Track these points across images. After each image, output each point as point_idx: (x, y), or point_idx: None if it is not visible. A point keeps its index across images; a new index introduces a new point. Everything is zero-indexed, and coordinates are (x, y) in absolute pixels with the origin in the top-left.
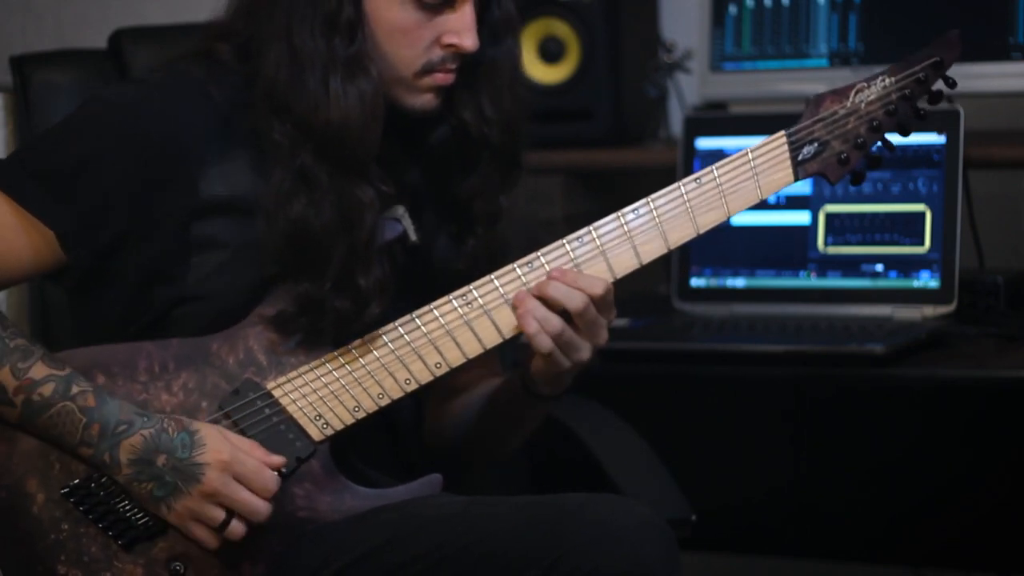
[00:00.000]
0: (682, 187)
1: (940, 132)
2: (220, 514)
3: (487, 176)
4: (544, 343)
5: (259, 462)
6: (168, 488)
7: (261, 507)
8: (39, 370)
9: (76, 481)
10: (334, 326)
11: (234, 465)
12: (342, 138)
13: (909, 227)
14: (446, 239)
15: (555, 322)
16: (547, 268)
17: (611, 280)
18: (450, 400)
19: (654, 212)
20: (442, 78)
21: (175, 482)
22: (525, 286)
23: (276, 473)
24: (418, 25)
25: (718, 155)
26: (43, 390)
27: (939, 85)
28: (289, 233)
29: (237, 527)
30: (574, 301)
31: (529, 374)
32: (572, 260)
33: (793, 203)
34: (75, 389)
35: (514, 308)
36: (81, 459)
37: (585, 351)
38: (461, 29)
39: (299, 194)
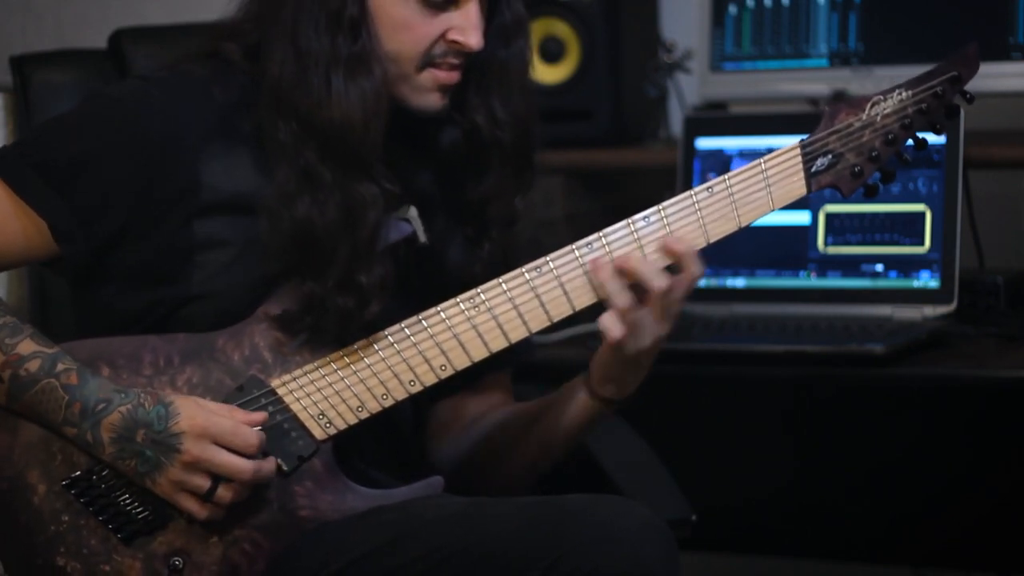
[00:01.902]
0: (694, 195)
1: (940, 132)
2: (205, 482)
3: (501, 179)
4: (616, 328)
5: (236, 421)
6: (150, 463)
7: (244, 465)
8: (27, 346)
9: (77, 473)
10: (337, 324)
11: (210, 429)
12: (344, 137)
13: (909, 227)
14: (460, 243)
15: (625, 298)
16: (555, 274)
17: None
18: (466, 427)
19: (665, 220)
20: (445, 76)
21: (156, 456)
22: (533, 290)
23: (258, 430)
24: (421, 22)
25: (718, 155)
26: (29, 366)
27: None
28: (294, 233)
29: (224, 493)
30: (659, 280)
31: (592, 379)
32: (581, 266)
33: (793, 203)
34: (60, 367)
35: (590, 275)
36: (66, 439)
37: (649, 337)
38: (466, 27)
39: (303, 193)
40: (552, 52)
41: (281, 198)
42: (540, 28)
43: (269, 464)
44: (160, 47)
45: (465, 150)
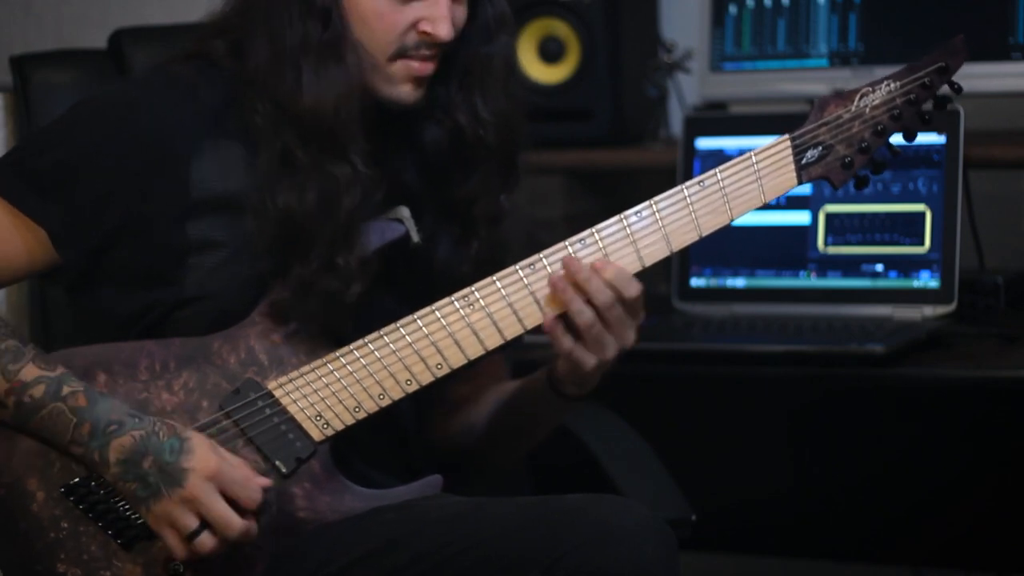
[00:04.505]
0: (685, 190)
1: (940, 132)
2: (193, 522)
3: (486, 178)
4: (566, 343)
5: (248, 474)
6: (150, 489)
7: (236, 523)
8: (29, 371)
9: (76, 480)
10: (323, 308)
11: (220, 475)
12: (317, 123)
13: (909, 227)
14: (448, 241)
15: (588, 315)
16: (549, 270)
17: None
18: (459, 411)
19: (657, 215)
20: (418, 67)
21: (158, 484)
22: (527, 287)
23: (262, 489)
24: (391, 11)
25: (718, 155)
26: (34, 392)
27: (945, 90)
28: (278, 222)
29: (206, 540)
30: (602, 296)
31: (556, 374)
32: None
33: (793, 203)
34: (66, 390)
35: (552, 290)
36: (73, 457)
37: (611, 348)
38: (435, 17)
39: (282, 178)
40: (552, 52)
41: (264, 187)
42: (540, 28)
43: (255, 529)
44: (160, 47)
45: (449, 149)
